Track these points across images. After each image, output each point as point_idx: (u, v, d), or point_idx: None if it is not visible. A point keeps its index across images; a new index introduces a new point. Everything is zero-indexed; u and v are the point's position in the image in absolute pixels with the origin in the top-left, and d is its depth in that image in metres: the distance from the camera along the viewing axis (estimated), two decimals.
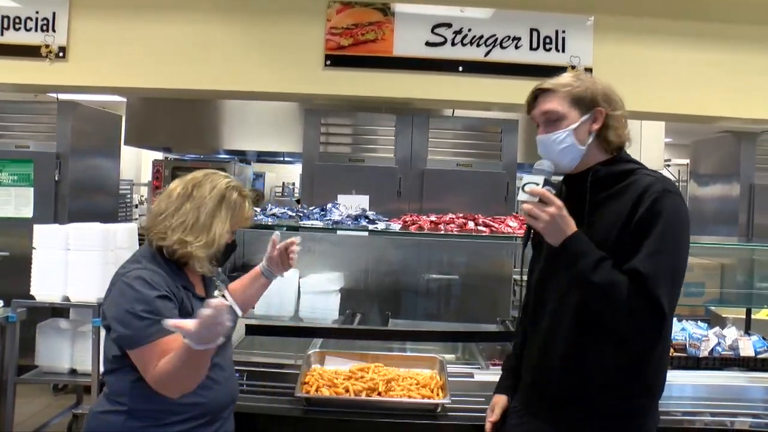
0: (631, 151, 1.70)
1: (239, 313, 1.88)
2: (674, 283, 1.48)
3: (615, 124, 1.60)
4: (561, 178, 1.64)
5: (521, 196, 1.53)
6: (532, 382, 1.69)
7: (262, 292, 2.02)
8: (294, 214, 3.00)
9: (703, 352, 2.61)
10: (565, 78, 1.61)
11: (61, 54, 3.46)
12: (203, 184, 1.70)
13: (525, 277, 1.83)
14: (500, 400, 1.82)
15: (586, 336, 1.55)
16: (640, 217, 1.48)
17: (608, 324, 1.52)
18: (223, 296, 1.84)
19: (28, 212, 4.39)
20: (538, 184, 1.52)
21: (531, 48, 3.52)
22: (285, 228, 2.88)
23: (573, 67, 3.47)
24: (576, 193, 1.61)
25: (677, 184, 7.36)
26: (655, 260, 1.45)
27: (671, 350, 2.52)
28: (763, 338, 2.75)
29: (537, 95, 1.62)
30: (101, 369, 2.67)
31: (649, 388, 1.58)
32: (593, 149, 1.60)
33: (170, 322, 1.41)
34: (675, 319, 2.48)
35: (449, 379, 2.38)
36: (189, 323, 1.39)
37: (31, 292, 3.04)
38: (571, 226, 1.50)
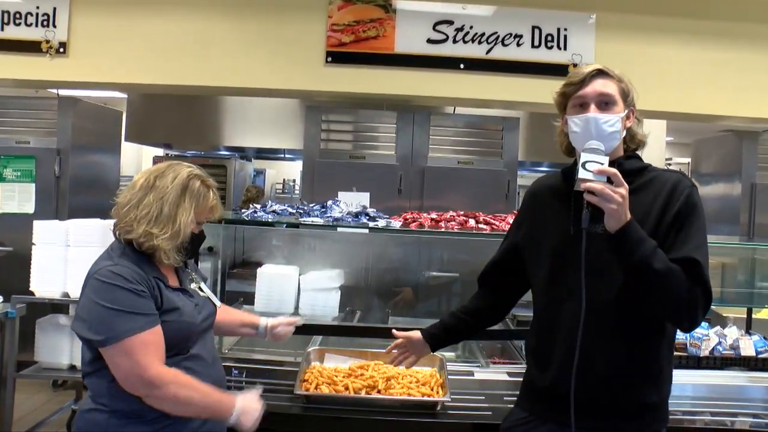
0: None
1: (218, 303, 1.88)
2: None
3: (635, 128, 1.69)
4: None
5: (584, 174, 1.47)
6: (555, 384, 1.62)
7: (239, 335, 2.13)
8: (294, 211, 2.99)
9: (704, 352, 2.60)
10: (617, 70, 1.66)
11: (61, 49, 3.46)
12: (165, 174, 1.69)
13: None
14: (417, 333, 1.96)
15: (623, 330, 1.57)
16: (678, 210, 1.55)
17: (659, 312, 1.54)
18: (200, 288, 1.82)
19: (29, 208, 4.41)
20: (602, 164, 1.47)
21: (533, 46, 3.51)
22: (285, 225, 2.88)
23: (575, 65, 3.46)
24: None
25: None
26: (703, 250, 1.54)
27: None
28: (764, 338, 2.74)
29: (595, 75, 1.62)
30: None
31: (666, 377, 1.64)
32: (620, 144, 1.65)
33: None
34: None
35: (449, 377, 2.37)
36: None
37: (30, 288, 3.04)
38: (628, 212, 1.47)
